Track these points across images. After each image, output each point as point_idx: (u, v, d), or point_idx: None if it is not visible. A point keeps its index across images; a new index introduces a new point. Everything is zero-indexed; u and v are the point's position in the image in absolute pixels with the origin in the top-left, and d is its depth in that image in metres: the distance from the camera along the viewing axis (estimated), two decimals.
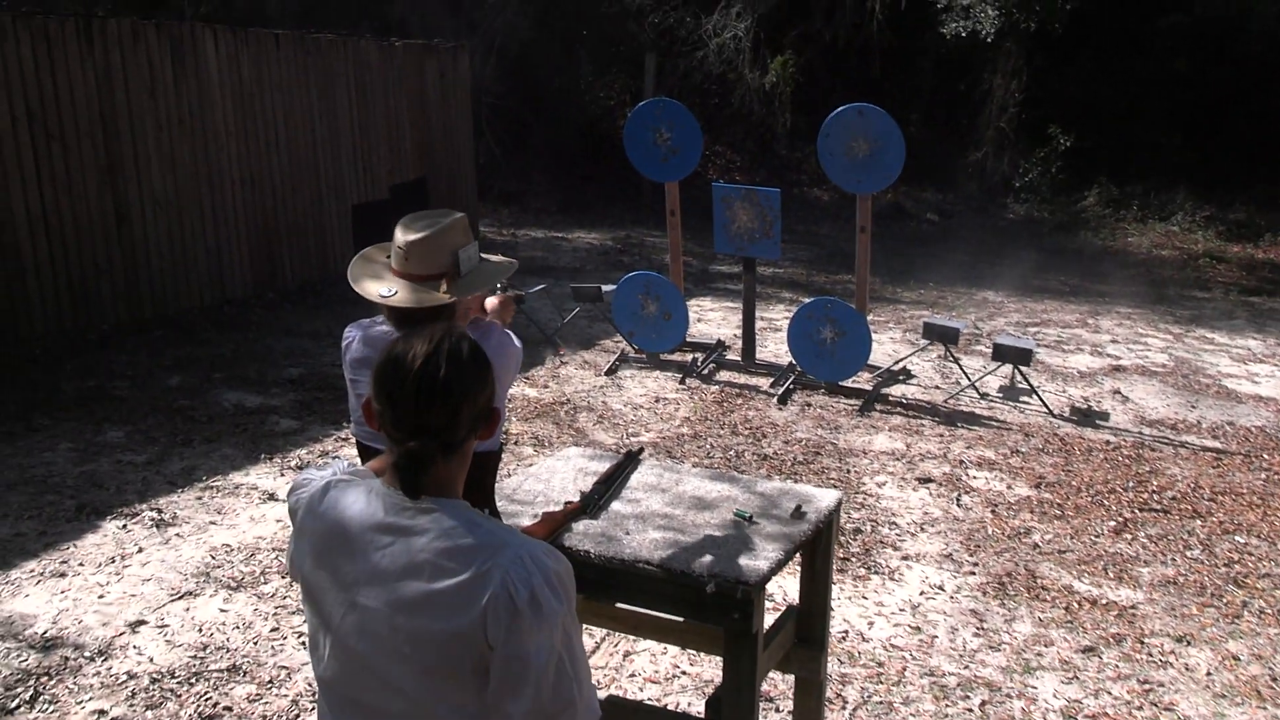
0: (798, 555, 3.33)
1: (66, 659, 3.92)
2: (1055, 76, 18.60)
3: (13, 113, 7.91)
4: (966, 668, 4.11)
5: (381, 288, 2.65)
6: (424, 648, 1.64)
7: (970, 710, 3.82)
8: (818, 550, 3.26)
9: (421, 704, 1.67)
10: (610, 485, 3.27)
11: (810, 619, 3.38)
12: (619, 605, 3.63)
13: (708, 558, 2.77)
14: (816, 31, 18.72)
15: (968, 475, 6.24)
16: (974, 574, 4.94)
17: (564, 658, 1.65)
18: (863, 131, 7.40)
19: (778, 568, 2.82)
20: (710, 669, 4.02)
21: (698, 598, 2.72)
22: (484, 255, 2.81)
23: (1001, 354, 7.67)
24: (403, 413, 1.64)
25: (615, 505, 3.15)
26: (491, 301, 3.10)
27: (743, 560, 2.76)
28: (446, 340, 1.68)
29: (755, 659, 2.80)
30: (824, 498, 3.24)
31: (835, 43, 18.65)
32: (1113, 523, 5.58)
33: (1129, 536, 5.42)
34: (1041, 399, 7.67)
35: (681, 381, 8.04)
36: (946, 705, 3.85)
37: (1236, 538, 5.44)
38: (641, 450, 3.64)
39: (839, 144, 7.49)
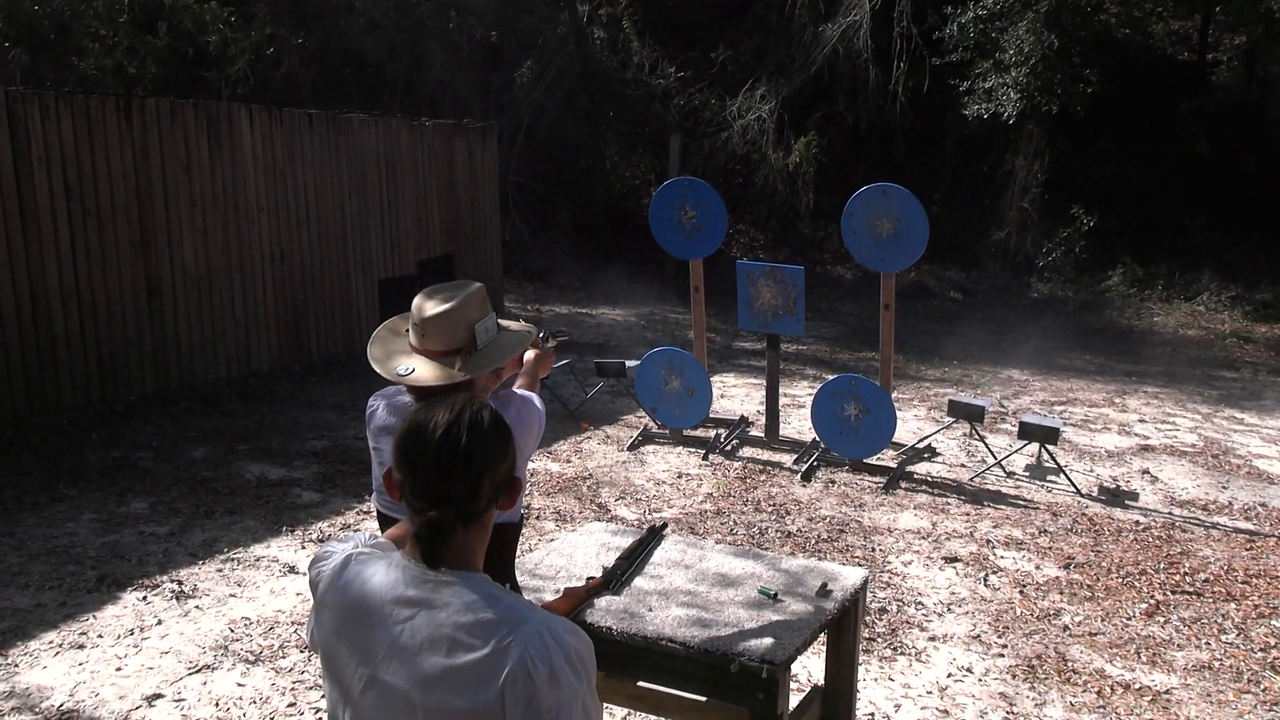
0: (823, 635, 3.28)
1: None
2: (1077, 157, 18.74)
3: (51, 188, 8.09)
4: None
5: (400, 365, 2.66)
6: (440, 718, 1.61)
7: None
8: (844, 630, 3.21)
9: None
10: (633, 561, 3.24)
11: (836, 700, 3.31)
12: (640, 684, 3.58)
13: (731, 635, 2.73)
14: (840, 113, 18.99)
15: (995, 555, 6.15)
16: (1003, 656, 4.84)
17: None
18: (887, 210, 7.44)
19: (803, 647, 2.78)
20: None
21: (721, 677, 2.67)
22: (502, 323, 2.81)
23: (1028, 432, 7.60)
24: (424, 481, 1.64)
25: (638, 581, 3.11)
26: (529, 355, 3.09)
27: (768, 639, 2.72)
28: (468, 409, 1.68)
29: None
30: (850, 576, 3.19)
31: (858, 124, 18.90)
32: (1144, 605, 5.47)
33: (1161, 619, 5.30)
34: (1069, 478, 7.58)
35: (704, 457, 8.00)
36: None
37: (1273, 622, 5.31)
38: (665, 526, 3.61)
39: (863, 223, 7.54)
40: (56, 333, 8.19)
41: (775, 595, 2.99)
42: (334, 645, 1.71)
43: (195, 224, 9.30)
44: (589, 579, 3.05)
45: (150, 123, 8.86)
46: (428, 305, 2.66)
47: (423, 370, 2.64)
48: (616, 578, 3.09)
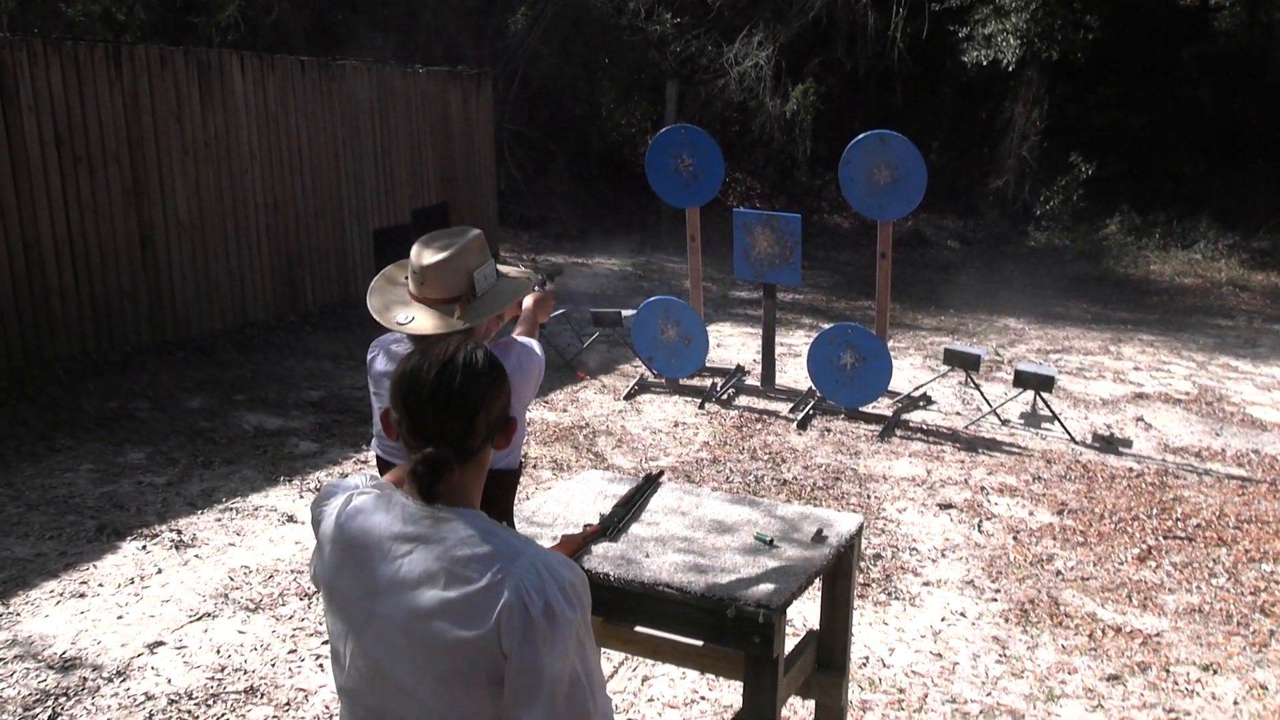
0: (818, 580, 3.31)
1: (85, 679, 3.92)
2: (1077, 104, 18.58)
3: (41, 137, 8.01)
4: (989, 695, 4.06)
5: (399, 314, 2.66)
6: (439, 655, 1.64)
7: None
8: (839, 575, 3.23)
9: (437, 712, 1.67)
10: (630, 508, 3.25)
11: (831, 644, 3.35)
12: (638, 629, 3.61)
13: (728, 581, 2.75)
14: (838, 60, 18.78)
15: (989, 501, 6.19)
16: (996, 600, 4.89)
17: (579, 668, 1.65)
18: (884, 158, 7.39)
19: (799, 592, 2.80)
20: (730, 694, 3.99)
21: (718, 621, 2.70)
22: (501, 269, 2.80)
23: (1023, 380, 7.62)
24: (419, 420, 1.67)
25: (635, 528, 3.13)
26: (528, 301, 3.08)
27: (764, 584, 2.74)
28: (461, 350, 1.71)
29: (776, 684, 2.77)
30: (845, 522, 3.21)
31: (857, 71, 18.70)
32: (1136, 550, 5.52)
33: (1153, 564, 5.35)
34: (1064, 425, 7.61)
35: (701, 406, 8.02)
36: None
37: (1263, 566, 5.37)
38: (661, 473, 3.63)
39: (861, 170, 7.49)
40: (50, 283, 8.15)
41: (771, 541, 3.01)
42: (335, 581, 1.74)
43: (188, 173, 9.23)
44: (586, 526, 3.07)
45: (140, 70, 8.75)
46: (426, 253, 2.64)
47: (422, 319, 2.63)
48: (613, 525, 3.11)
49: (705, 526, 3.15)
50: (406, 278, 2.73)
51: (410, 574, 1.65)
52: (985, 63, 16.92)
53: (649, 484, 3.45)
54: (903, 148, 7.34)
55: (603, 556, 2.90)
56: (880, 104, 19.19)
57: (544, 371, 2.89)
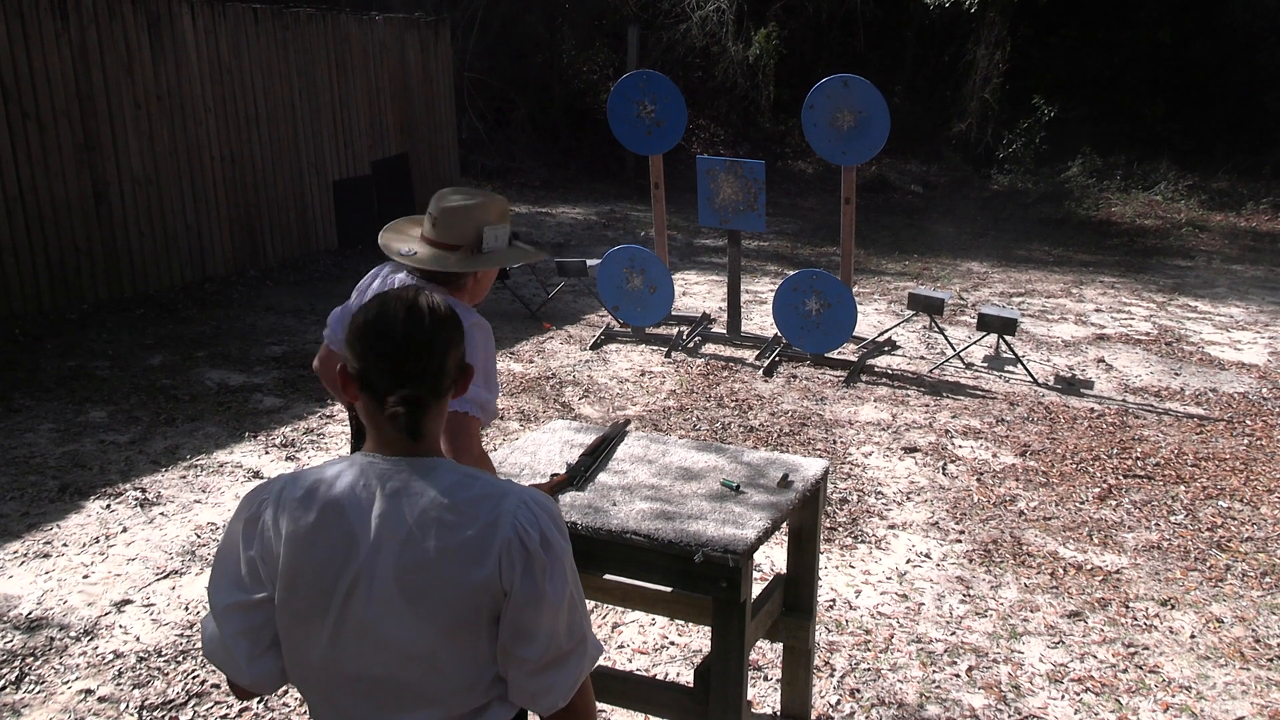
0: (785, 524, 3.34)
1: (52, 639, 3.90)
2: (1039, 46, 18.58)
3: None
4: (954, 634, 4.13)
5: (403, 246, 2.79)
6: (441, 605, 1.63)
7: (958, 676, 3.84)
8: (805, 519, 3.26)
9: (437, 665, 1.66)
10: (597, 457, 3.26)
11: (798, 587, 3.38)
12: (607, 577, 3.64)
13: (695, 528, 2.77)
14: (800, 3, 18.63)
15: (953, 444, 6.26)
16: (960, 541, 4.96)
17: (574, 594, 1.70)
18: (848, 103, 7.36)
19: (765, 536, 2.82)
20: (698, 639, 4.03)
21: (685, 568, 2.71)
22: (519, 243, 2.88)
23: (986, 324, 7.68)
24: (394, 364, 1.65)
25: (602, 477, 3.14)
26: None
27: (730, 530, 2.76)
28: (423, 296, 1.72)
29: (743, 628, 2.80)
30: (811, 467, 3.23)
31: (819, 15, 18.57)
32: (1097, 489, 5.61)
33: (1113, 503, 5.45)
34: (1026, 368, 7.69)
35: (667, 355, 8.03)
36: (934, 671, 3.87)
37: (1220, 503, 5.48)
38: (628, 422, 3.63)
39: (824, 115, 7.46)
40: (3, 241, 7.99)
41: (738, 487, 3.03)
42: (304, 557, 1.64)
43: (140, 126, 9.03)
44: (553, 475, 3.07)
45: (88, 21, 8.52)
46: (450, 198, 2.77)
47: (423, 253, 2.74)
48: (580, 474, 3.11)
49: (672, 474, 3.16)
50: (422, 226, 2.84)
51: (398, 528, 1.62)
52: (947, 4, 16.85)
53: (616, 433, 3.45)
54: (866, 92, 7.31)
55: (570, 505, 2.91)
56: (843, 48, 19.09)
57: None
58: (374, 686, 1.68)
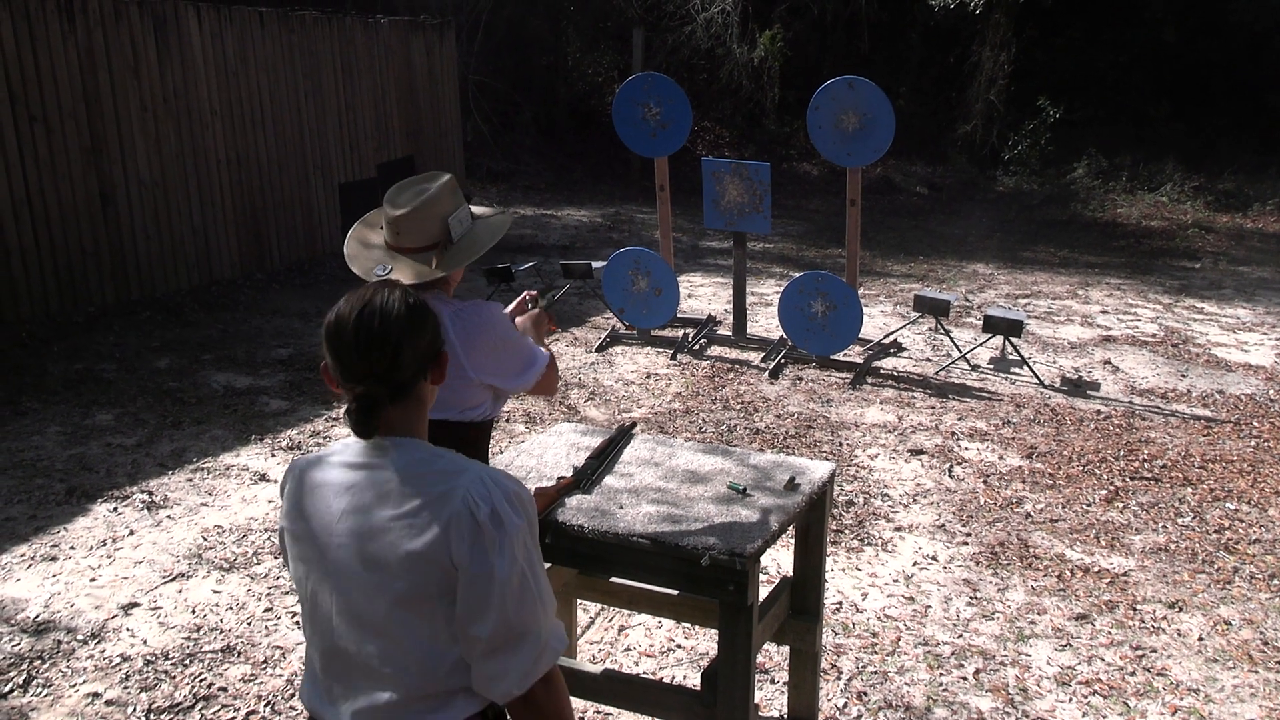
0: (792, 527, 3.33)
1: (59, 642, 3.91)
2: (1044, 48, 18.56)
3: None
4: (960, 636, 4.12)
5: (377, 267, 2.65)
6: (391, 574, 1.69)
7: (964, 679, 3.83)
8: (812, 522, 3.26)
9: (394, 639, 1.72)
10: (603, 460, 3.25)
11: (804, 590, 3.38)
12: (614, 580, 3.63)
13: (702, 530, 2.76)
14: (804, 5, 18.63)
15: (959, 446, 6.25)
16: (967, 544, 4.95)
17: (527, 574, 1.71)
18: (853, 104, 7.36)
19: (772, 540, 2.82)
20: (705, 642, 4.03)
21: (692, 571, 2.71)
22: (476, 211, 2.78)
23: (992, 326, 7.67)
24: (348, 364, 1.73)
25: (608, 480, 3.13)
26: (523, 320, 3.03)
27: (737, 533, 2.75)
28: (378, 294, 1.78)
29: (750, 632, 2.80)
30: (817, 469, 3.23)
31: (823, 16, 18.57)
32: (1104, 491, 5.60)
33: (1120, 505, 5.44)
34: (1032, 370, 7.68)
35: (673, 357, 8.03)
36: (941, 674, 3.86)
37: (1227, 505, 5.46)
38: (634, 425, 3.63)
39: (829, 117, 7.46)
40: (10, 244, 8.01)
41: (744, 490, 3.02)
42: (295, 525, 1.80)
43: (147, 129, 9.06)
44: (559, 478, 3.07)
45: (94, 24, 8.55)
46: (398, 202, 2.63)
47: (400, 269, 2.62)
48: (587, 477, 3.11)
49: (678, 477, 3.15)
50: (383, 226, 2.70)
51: (361, 500, 1.72)
52: (952, 6, 16.83)
53: (622, 435, 3.45)
54: (871, 94, 7.31)
55: (577, 509, 2.91)
56: (848, 50, 19.08)
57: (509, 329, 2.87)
58: (346, 663, 1.76)
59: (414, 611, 1.70)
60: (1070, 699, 3.73)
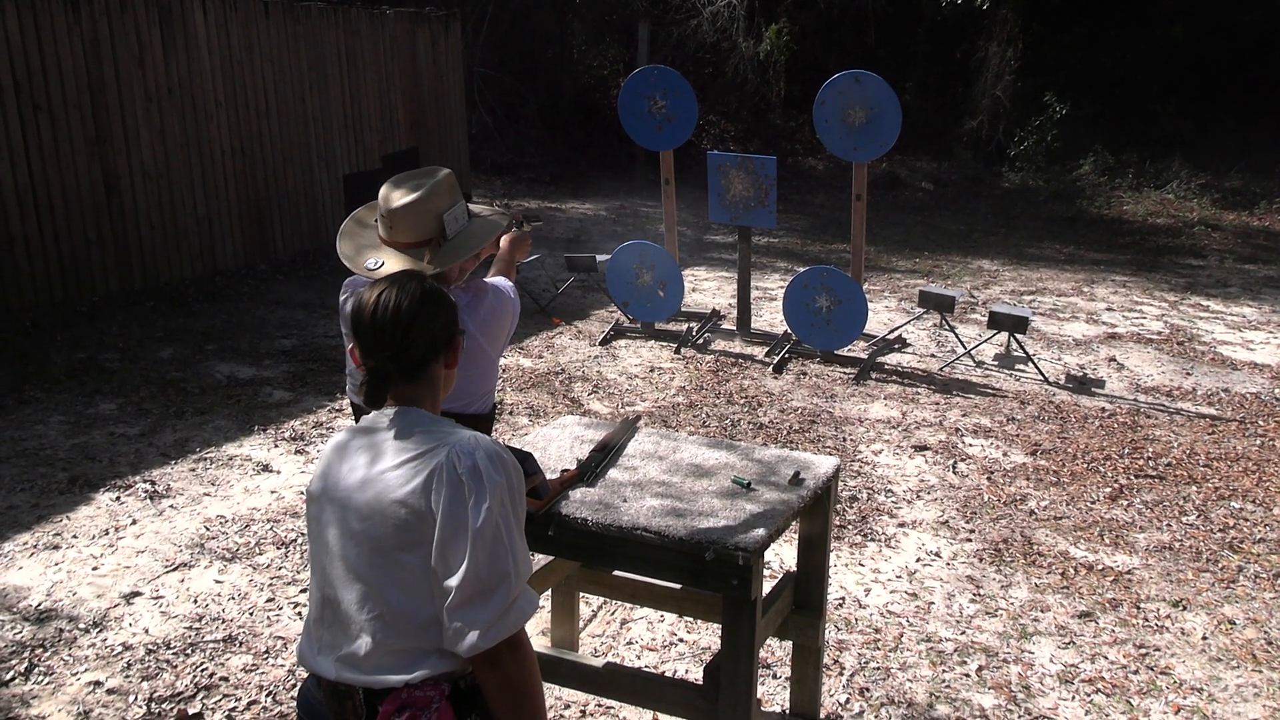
0: (795, 522, 3.32)
1: (61, 631, 3.91)
2: (1051, 44, 18.49)
3: None
4: (963, 633, 4.11)
5: (369, 259, 2.63)
6: (374, 522, 1.80)
7: (967, 675, 3.82)
8: (815, 516, 3.24)
9: (372, 586, 1.80)
10: (607, 453, 3.24)
11: (808, 585, 3.37)
12: (616, 573, 3.63)
13: (706, 525, 2.75)
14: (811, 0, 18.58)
15: (963, 443, 6.24)
16: (970, 540, 4.94)
17: (501, 529, 1.77)
18: (859, 99, 7.34)
19: (776, 534, 2.80)
20: (708, 636, 4.02)
21: (696, 565, 2.70)
22: (473, 209, 2.76)
23: (997, 322, 7.65)
24: (365, 340, 1.90)
25: (612, 473, 3.12)
26: (504, 241, 3.08)
27: (741, 527, 2.74)
28: (399, 281, 1.94)
29: (754, 626, 2.79)
30: (822, 464, 3.22)
31: (830, 11, 18.50)
32: (1108, 489, 5.58)
33: (1125, 503, 5.42)
34: (1037, 366, 7.66)
35: (677, 351, 8.01)
36: (944, 670, 3.85)
37: (1232, 503, 5.44)
38: (639, 418, 3.62)
39: (835, 111, 7.43)
40: (14, 232, 8.00)
41: (749, 485, 3.01)
42: (314, 490, 1.94)
43: (151, 119, 9.04)
44: (563, 471, 3.06)
45: (99, 14, 8.53)
46: (394, 195, 2.59)
47: (392, 264, 2.59)
48: (591, 470, 3.10)
49: (683, 471, 3.14)
50: (376, 220, 2.68)
51: (360, 457, 1.87)
52: (959, 1, 16.77)
53: (626, 429, 3.44)
54: (877, 88, 7.29)
55: (580, 501, 2.90)
56: (854, 44, 19.02)
57: (519, 313, 2.88)
58: (334, 612, 1.86)
59: (392, 560, 1.79)
60: (1073, 697, 3.71)
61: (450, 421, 1.92)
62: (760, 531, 2.73)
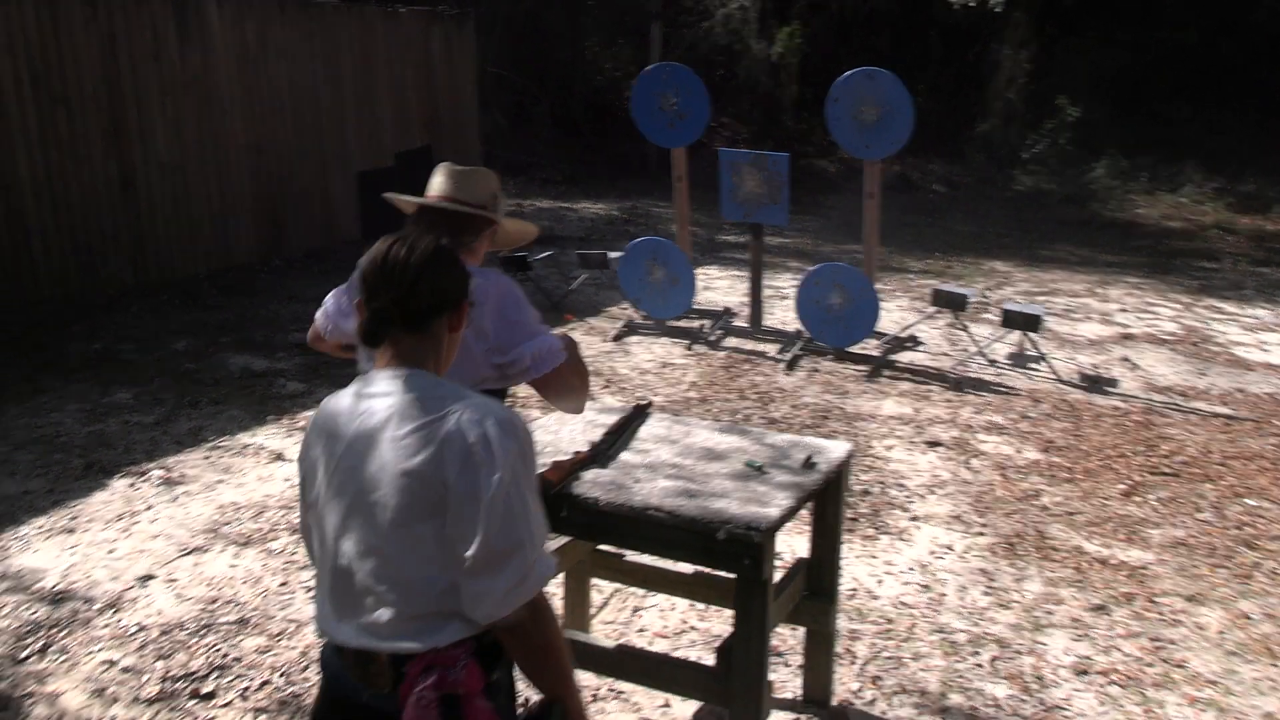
0: (807, 510, 3.32)
1: (76, 611, 3.93)
2: (1064, 47, 18.45)
3: (16, 75, 7.87)
4: (976, 625, 4.10)
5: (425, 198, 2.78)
6: (388, 493, 1.76)
7: (980, 665, 3.81)
8: (828, 500, 3.24)
9: (390, 559, 1.78)
10: (619, 437, 3.25)
11: (820, 571, 3.37)
12: (628, 559, 3.63)
13: (718, 505, 2.75)
14: (823, 1, 18.57)
15: (976, 439, 6.22)
16: (983, 534, 4.93)
17: (513, 497, 1.75)
18: (872, 95, 7.33)
19: (789, 515, 2.80)
20: (719, 624, 4.02)
21: (708, 544, 2.70)
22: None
23: (1011, 320, 7.63)
24: (372, 282, 1.88)
25: (624, 455, 3.13)
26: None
27: (754, 507, 2.74)
28: (413, 234, 1.94)
29: (766, 605, 2.79)
30: (835, 449, 3.22)
31: (842, 13, 18.51)
32: (1122, 486, 5.56)
33: (1139, 499, 5.40)
34: (1050, 365, 7.64)
35: (689, 347, 8.01)
36: (956, 660, 3.84)
37: (1247, 501, 5.42)
38: (650, 404, 3.62)
39: (848, 109, 7.43)
40: (31, 224, 8.05)
41: (761, 468, 3.01)
42: (310, 454, 1.92)
43: (167, 114, 9.09)
44: (575, 453, 3.07)
45: (115, 8, 8.58)
46: (454, 166, 2.82)
47: (447, 195, 2.75)
48: (603, 452, 3.11)
49: (695, 454, 3.14)
50: (429, 193, 2.83)
51: (368, 424, 1.81)
52: (972, 3, 16.75)
53: (638, 414, 3.45)
54: (890, 85, 7.28)
55: (593, 482, 2.90)
56: (866, 46, 18.99)
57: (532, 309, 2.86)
58: (347, 581, 1.83)
59: (409, 531, 1.76)
60: (1088, 688, 3.70)
61: (456, 385, 1.88)
62: (773, 511, 2.73)
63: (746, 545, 2.66)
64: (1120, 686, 3.71)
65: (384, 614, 1.78)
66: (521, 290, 2.79)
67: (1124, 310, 9.87)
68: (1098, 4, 18.14)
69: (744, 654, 2.84)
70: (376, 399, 1.83)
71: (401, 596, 1.77)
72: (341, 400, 1.91)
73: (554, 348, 2.70)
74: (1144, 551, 4.80)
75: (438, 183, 2.79)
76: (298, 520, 2.02)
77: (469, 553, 1.72)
